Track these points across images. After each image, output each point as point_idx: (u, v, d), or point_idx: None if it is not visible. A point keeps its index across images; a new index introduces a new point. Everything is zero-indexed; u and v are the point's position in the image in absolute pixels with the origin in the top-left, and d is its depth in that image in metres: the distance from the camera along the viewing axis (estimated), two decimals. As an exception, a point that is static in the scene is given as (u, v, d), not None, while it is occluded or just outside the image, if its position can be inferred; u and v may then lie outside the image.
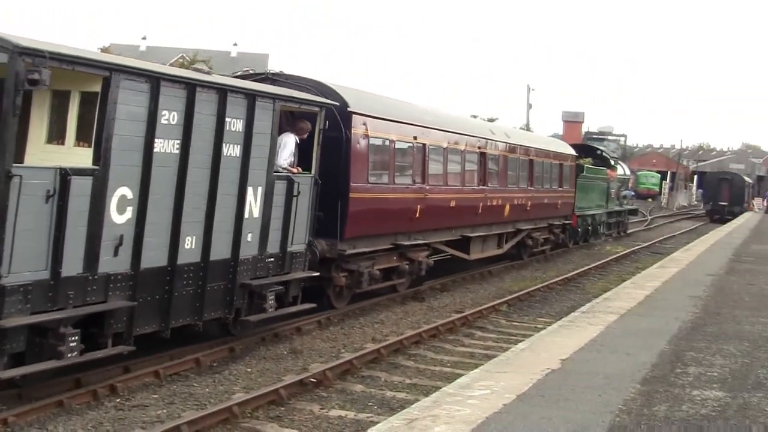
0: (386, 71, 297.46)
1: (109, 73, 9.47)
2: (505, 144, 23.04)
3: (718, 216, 58.16)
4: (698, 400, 8.26)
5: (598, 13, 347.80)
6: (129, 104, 9.75)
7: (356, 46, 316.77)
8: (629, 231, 41.09)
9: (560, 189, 28.25)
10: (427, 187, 17.92)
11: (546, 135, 43.27)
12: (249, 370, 11.41)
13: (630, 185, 48.31)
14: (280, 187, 12.67)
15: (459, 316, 15.86)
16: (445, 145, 18.92)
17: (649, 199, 79.28)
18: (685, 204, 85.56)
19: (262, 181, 12.18)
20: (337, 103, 14.46)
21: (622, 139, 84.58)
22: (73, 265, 9.15)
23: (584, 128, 75.64)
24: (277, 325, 13.37)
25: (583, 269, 24.71)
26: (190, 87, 10.66)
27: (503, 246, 23.58)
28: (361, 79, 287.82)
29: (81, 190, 9.16)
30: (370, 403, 10.21)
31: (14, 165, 8.48)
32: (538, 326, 15.02)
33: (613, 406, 7.83)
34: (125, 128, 9.73)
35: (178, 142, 10.52)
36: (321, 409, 9.88)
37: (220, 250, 11.45)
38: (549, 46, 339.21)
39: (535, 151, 25.75)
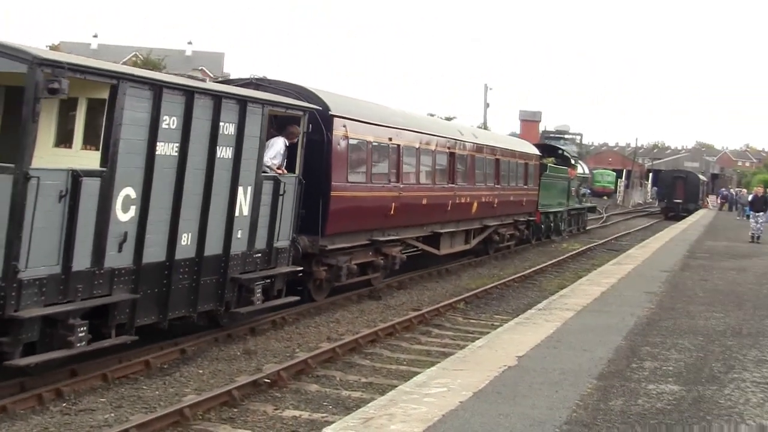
0: (386, 71, 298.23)
1: (116, 81, 10.16)
2: (473, 144, 23.93)
3: (673, 213, 58.60)
4: (654, 394, 8.31)
5: (550, 15, 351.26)
6: (134, 110, 10.44)
7: (356, 46, 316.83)
8: (587, 228, 42.04)
9: (525, 187, 29.19)
10: (401, 186, 18.73)
11: (504, 134, 43.50)
12: (201, 371, 11.20)
13: (587, 183, 48.91)
14: (267, 187, 13.41)
15: (416, 314, 15.77)
16: (417, 145, 19.75)
17: (605, 197, 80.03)
18: (641, 202, 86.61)
19: (251, 181, 12.91)
20: (320, 107, 15.25)
21: (578, 137, 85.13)
22: (82, 260, 9.84)
23: (541, 127, 76.13)
24: (234, 326, 13.44)
25: (539, 266, 24.74)
26: (189, 94, 11.37)
27: (471, 242, 24.47)
28: (361, 79, 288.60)
29: (90, 190, 9.83)
30: (325, 403, 10.09)
31: (31, 167, 9.11)
32: (495, 324, 14.93)
33: (569, 401, 7.83)
34: (130, 133, 10.42)
35: (177, 145, 11.22)
36: (275, 409, 9.73)
37: (213, 246, 12.16)
38: (506, 45, 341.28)
39: (501, 151, 26.68)
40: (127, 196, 10.46)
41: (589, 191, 48.16)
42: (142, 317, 10.93)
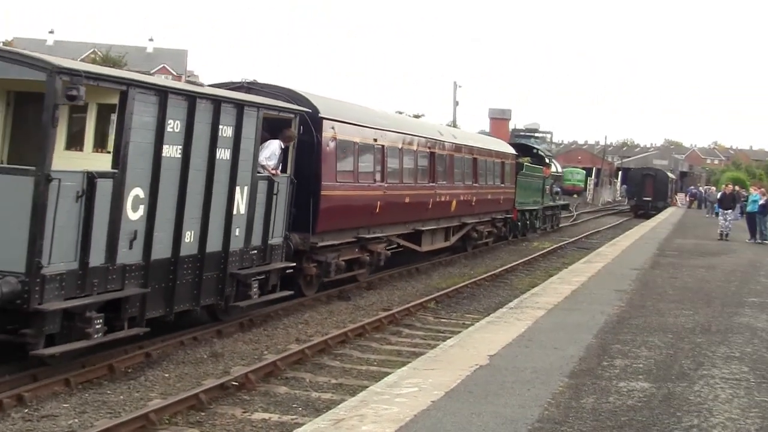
0: (386, 71, 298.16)
1: (126, 87, 10.75)
2: (452, 144, 24.65)
3: (643, 211, 58.96)
4: (625, 391, 8.36)
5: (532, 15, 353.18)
6: (142, 115, 11.05)
7: (356, 46, 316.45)
8: (560, 225, 42.85)
9: (502, 185, 29.96)
10: (386, 185, 19.42)
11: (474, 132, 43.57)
12: (167, 375, 11.00)
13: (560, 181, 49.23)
14: (262, 187, 14.12)
15: (386, 314, 15.67)
16: (400, 145, 20.46)
17: (575, 195, 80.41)
18: (610, 200, 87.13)
19: (247, 181, 13.60)
20: (309, 110, 15.89)
21: (549, 135, 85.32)
22: (97, 256, 10.48)
23: (511, 125, 75.93)
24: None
25: (510, 265, 24.69)
26: (191, 98, 12.01)
27: (450, 239, 25.19)
28: (361, 79, 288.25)
29: (104, 190, 10.46)
30: (294, 405, 9.98)
31: (52, 170, 9.71)
32: (466, 323, 14.92)
33: (541, 399, 7.85)
34: (139, 136, 11.03)
35: (181, 147, 11.86)
36: (244, 412, 9.58)
37: (214, 244, 12.83)
38: (506, 45, 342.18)
39: (479, 150, 27.37)
40: (137, 196, 11.10)
41: (559, 190, 48.46)
42: (151, 310, 11.59)
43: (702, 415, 7.63)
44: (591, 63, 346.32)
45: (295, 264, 15.48)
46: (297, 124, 15.23)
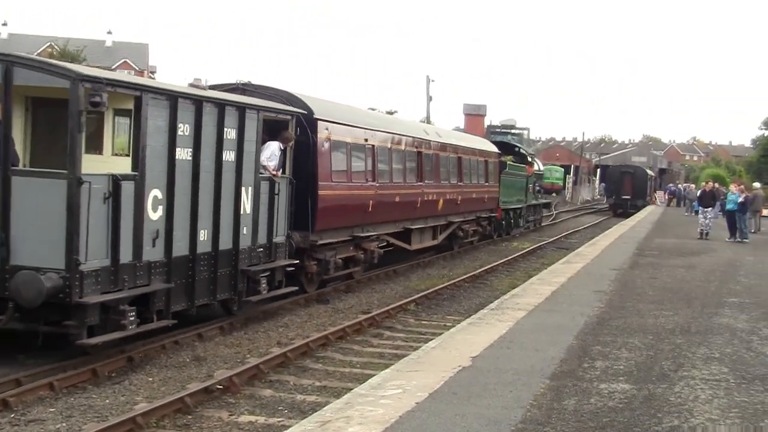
0: (386, 71, 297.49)
1: (139, 92, 11.40)
2: (437, 143, 25.21)
3: (622, 210, 58.95)
4: (606, 393, 8.44)
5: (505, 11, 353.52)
6: (155, 119, 11.69)
7: (356, 46, 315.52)
8: (542, 224, 43.47)
9: (486, 184, 30.54)
10: (377, 184, 20.05)
11: (449, 129, 43.54)
12: (150, 379, 11.00)
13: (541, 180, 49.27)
14: (264, 187, 14.85)
15: (366, 316, 15.59)
16: (389, 145, 21.07)
17: (554, 194, 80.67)
18: (589, 198, 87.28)
19: (251, 181, 14.32)
20: (305, 111, 16.48)
21: (526, 132, 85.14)
22: (125, 253, 11.24)
23: (486, 121, 75.29)
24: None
25: (490, 266, 24.62)
26: (198, 102, 12.69)
27: (438, 237, 25.79)
28: (361, 79, 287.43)
29: (127, 192, 11.16)
30: (280, 408, 9.99)
31: (83, 173, 10.40)
32: (448, 324, 14.94)
33: (523, 401, 7.94)
34: (154, 140, 11.68)
35: (191, 150, 12.55)
36: (230, 415, 9.61)
37: (225, 242, 13.60)
38: (446, 39, 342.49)
39: (463, 149, 27.90)
40: (156, 197, 11.79)
41: (540, 188, 48.62)
42: (175, 304, 12.37)
43: (682, 415, 7.72)
44: (574, 59, 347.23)
45: (298, 261, 16.23)
46: (294, 126, 15.80)
